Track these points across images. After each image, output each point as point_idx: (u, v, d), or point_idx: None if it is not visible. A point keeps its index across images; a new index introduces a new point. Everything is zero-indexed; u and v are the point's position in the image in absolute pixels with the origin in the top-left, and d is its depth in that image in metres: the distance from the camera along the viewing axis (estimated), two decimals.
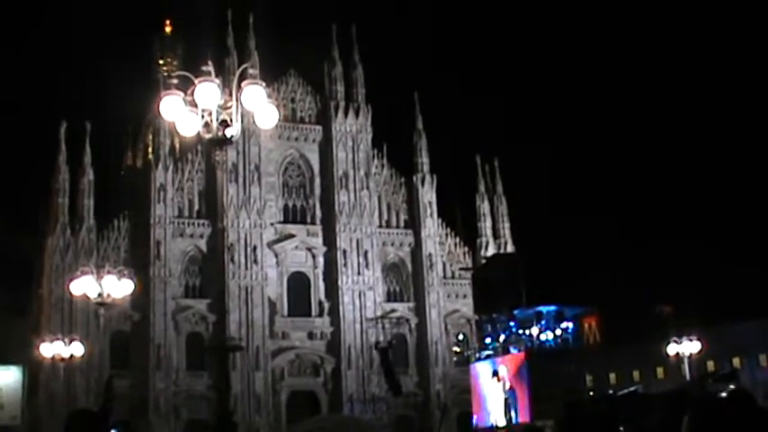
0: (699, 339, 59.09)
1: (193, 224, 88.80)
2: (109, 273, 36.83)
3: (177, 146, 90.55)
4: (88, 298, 37.02)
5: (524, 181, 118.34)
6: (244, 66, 21.76)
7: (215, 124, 17.27)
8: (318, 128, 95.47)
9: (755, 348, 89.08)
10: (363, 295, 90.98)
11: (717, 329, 72.94)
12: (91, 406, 73.11)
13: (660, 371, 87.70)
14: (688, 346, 58.72)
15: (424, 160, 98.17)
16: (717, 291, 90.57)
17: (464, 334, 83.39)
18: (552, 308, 54.54)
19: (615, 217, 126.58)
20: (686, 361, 58.69)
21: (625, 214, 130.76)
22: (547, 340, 54.47)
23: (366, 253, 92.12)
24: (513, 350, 56.27)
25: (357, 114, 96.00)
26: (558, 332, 53.90)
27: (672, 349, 59.49)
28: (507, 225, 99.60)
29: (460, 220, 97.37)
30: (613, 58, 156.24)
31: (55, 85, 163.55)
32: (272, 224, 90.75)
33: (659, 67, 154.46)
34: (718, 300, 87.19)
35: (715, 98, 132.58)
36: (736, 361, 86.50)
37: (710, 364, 77.57)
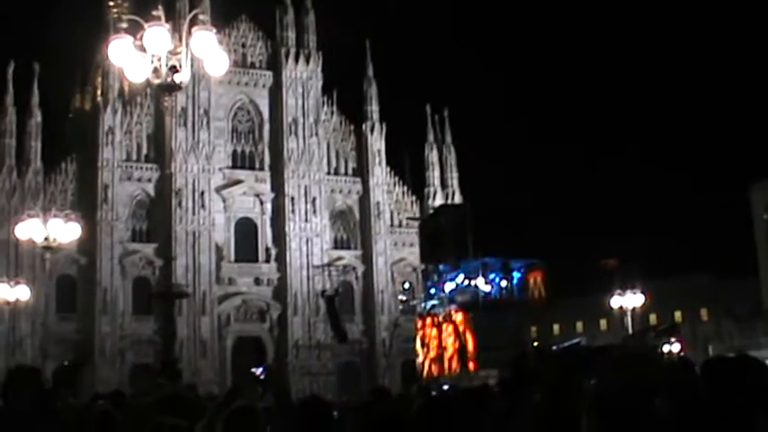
0: (642, 293, 59.67)
1: (141, 168, 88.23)
2: (55, 216, 36.34)
3: (126, 89, 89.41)
4: (34, 242, 36.57)
5: (474, 131, 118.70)
6: (195, 11, 21.52)
7: (164, 70, 17.05)
8: (269, 73, 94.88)
9: (697, 303, 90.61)
10: (310, 242, 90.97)
11: (660, 283, 73.75)
12: (35, 350, 73.00)
13: (604, 323, 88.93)
14: (632, 300, 59.22)
15: (374, 108, 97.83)
16: (661, 245, 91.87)
17: (410, 283, 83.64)
18: (498, 260, 54.72)
19: (563, 169, 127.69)
20: (629, 314, 59.28)
21: (573, 167, 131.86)
22: (492, 291, 54.72)
23: (314, 200, 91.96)
24: (458, 300, 56.53)
25: (308, 61, 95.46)
26: (504, 284, 54.16)
27: (615, 302, 59.99)
28: (456, 175, 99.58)
29: (409, 170, 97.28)
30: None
31: (2, 25, 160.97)
32: (220, 169, 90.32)
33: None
34: (663, 254, 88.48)
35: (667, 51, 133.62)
36: (678, 315, 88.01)
37: (653, 318, 78.66)
